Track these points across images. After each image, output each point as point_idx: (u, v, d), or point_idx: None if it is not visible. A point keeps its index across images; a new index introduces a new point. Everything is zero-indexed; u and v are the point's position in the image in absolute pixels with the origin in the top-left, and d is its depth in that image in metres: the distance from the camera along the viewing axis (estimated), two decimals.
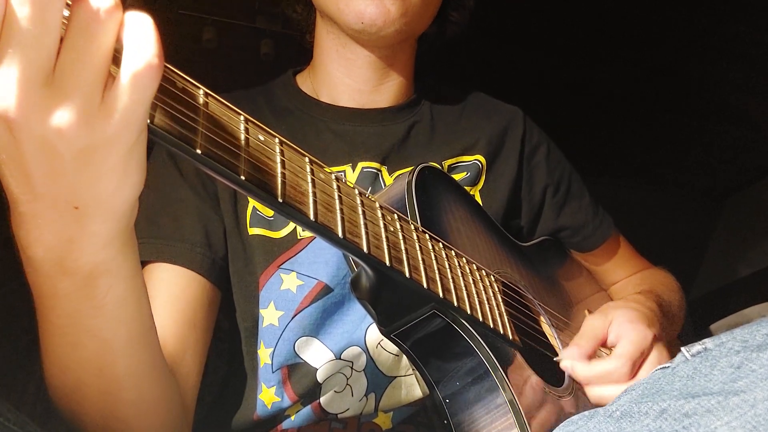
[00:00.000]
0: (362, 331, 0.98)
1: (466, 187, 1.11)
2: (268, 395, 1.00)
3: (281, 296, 1.00)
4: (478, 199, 1.13)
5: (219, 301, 1.02)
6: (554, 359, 0.93)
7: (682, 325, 1.22)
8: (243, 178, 0.55)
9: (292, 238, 1.02)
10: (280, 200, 0.58)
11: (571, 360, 0.89)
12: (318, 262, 1.01)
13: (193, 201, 1.02)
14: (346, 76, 1.13)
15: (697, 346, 0.67)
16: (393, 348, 0.97)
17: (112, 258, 0.58)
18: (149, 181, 1.05)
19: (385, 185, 1.08)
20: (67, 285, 0.58)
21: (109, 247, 0.57)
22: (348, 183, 0.72)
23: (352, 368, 0.99)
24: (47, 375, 0.69)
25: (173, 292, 0.95)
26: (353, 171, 1.08)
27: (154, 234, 0.98)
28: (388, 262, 0.71)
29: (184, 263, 0.96)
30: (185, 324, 0.93)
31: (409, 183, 0.88)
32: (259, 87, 1.21)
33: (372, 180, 1.08)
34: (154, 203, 1.01)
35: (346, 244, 0.66)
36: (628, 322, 0.91)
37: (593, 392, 0.88)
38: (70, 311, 0.61)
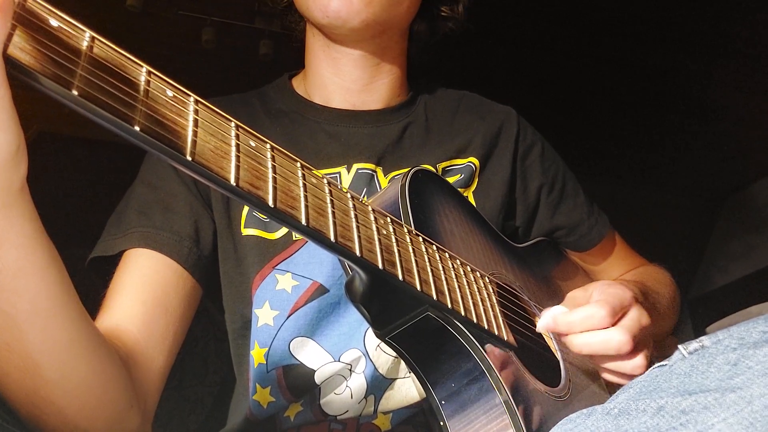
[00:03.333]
0: (361, 334, 0.99)
1: (459, 189, 1.11)
2: (263, 395, 1.00)
3: (276, 296, 1.00)
4: (471, 200, 1.14)
5: (199, 297, 1.02)
6: (536, 328, 0.93)
7: (676, 321, 1.22)
8: (234, 184, 0.55)
9: (287, 240, 1.03)
10: (272, 205, 0.59)
11: (551, 315, 0.88)
12: (313, 263, 1.01)
13: (186, 197, 1.02)
14: (335, 75, 1.13)
15: (694, 344, 0.67)
16: (392, 351, 0.97)
17: None
18: (146, 177, 1.05)
19: (380, 186, 1.08)
20: None
21: None
22: (342, 188, 0.72)
23: (351, 371, 0.99)
24: None
25: (147, 275, 0.94)
26: (348, 172, 1.08)
27: (143, 224, 0.98)
28: (380, 265, 0.71)
29: (170, 253, 0.97)
30: (156, 307, 0.93)
31: (402, 186, 0.88)
32: (255, 90, 1.22)
33: (368, 181, 1.08)
34: (147, 196, 1.02)
35: (339, 248, 0.66)
36: (607, 286, 0.92)
37: (577, 340, 0.87)
38: None
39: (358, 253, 0.68)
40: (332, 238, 0.65)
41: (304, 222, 0.62)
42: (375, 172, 1.09)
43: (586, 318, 0.86)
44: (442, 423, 0.80)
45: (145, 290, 0.93)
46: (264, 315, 1.00)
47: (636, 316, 0.89)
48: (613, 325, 0.86)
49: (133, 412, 0.83)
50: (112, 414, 0.79)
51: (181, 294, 0.97)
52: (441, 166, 1.14)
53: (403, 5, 1.07)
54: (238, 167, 0.56)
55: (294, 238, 1.03)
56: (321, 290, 1.00)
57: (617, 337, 0.85)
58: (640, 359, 0.88)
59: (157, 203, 1.01)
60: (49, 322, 0.66)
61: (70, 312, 0.69)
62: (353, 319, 0.99)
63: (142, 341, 0.89)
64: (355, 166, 1.09)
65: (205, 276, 1.02)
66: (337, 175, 1.08)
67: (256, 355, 1.00)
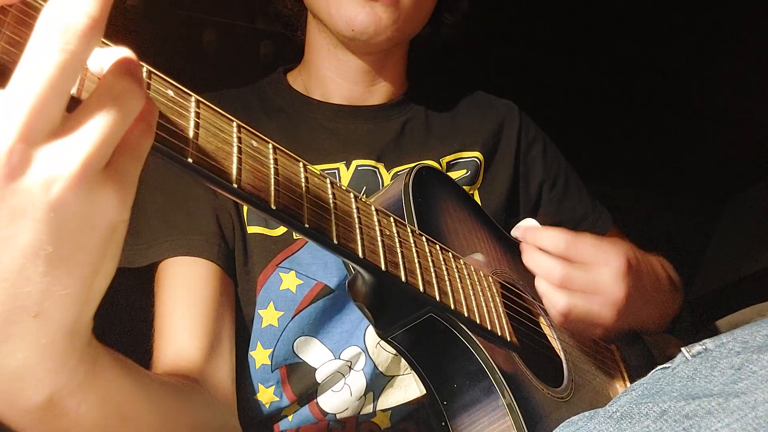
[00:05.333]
0: (361, 331, 0.98)
1: (465, 187, 1.11)
2: (266, 395, 1.00)
3: (281, 296, 1.00)
4: (477, 198, 1.13)
5: (234, 293, 1.01)
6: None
7: (676, 315, 1.18)
8: (236, 186, 0.55)
9: (288, 237, 1.02)
10: (273, 207, 0.58)
11: (525, 226, 0.95)
12: (317, 264, 1.01)
13: (203, 194, 1.01)
14: (338, 75, 1.13)
15: (697, 347, 0.67)
16: (392, 348, 0.97)
17: (68, 378, 0.51)
18: (157, 183, 1.05)
19: (382, 182, 1.08)
20: (26, 421, 0.51)
21: (66, 368, 0.50)
22: (345, 189, 0.72)
23: (350, 368, 0.98)
24: None
25: (190, 285, 0.94)
26: (347, 169, 1.08)
27: (167, 231, 0.97)
28: (383, 267, 0.70)
29: (202, 254, 0.96)
30: (209, 319, 0.92)
31: (405, 185, 0.88)
32: (250, 86, 1.21)
33: (369, 178, 1.08)
34: (166, 204, 1.00)
35: (341, 250, 0.66)
36: (604, 241, 0.96)
37: (526, 251, 0.94)
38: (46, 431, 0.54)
39: (360, 254, 0.68)
40: (334, 240, 0.65)
41: (306, 224, 0.62)
42: (377, 168, 1.09)
43: (539, 267, 0.91)
44: (443, 423, 0.80)
45: (194, 304, 0.92)
46: (268, 316, 1.00)
47: (593, 276, 0.90)
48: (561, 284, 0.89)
49: (223, 418, 0.84)
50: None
51: (223, 293, 0.97)
52: (445, 160, 1.14)
53: (420, 19, 1.08)
54: (239, 169, 0.56)
55: (295, 236, 1.02)
56: (326, 290, 0.99)
57: (549, 264, 0.90)
58: (562, 299, 0.89)
59: (178, 208, 0.99)
60: (141, 412, 0.65)
61: (154, 393, 0.68)
62: (355, 317, 0.99)
63: (210, 362, 0.89)
64: (355, 163, 1.09)
65: (233, 272, 1.01)
66: (336, 171, 1.08)
67: (259, 356, 1.00)
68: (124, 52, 0.45)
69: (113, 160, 0.44)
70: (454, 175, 1.12)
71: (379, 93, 1.16)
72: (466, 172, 1.13)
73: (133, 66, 0.45)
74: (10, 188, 0.41)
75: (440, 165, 1.12)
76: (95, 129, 0.42)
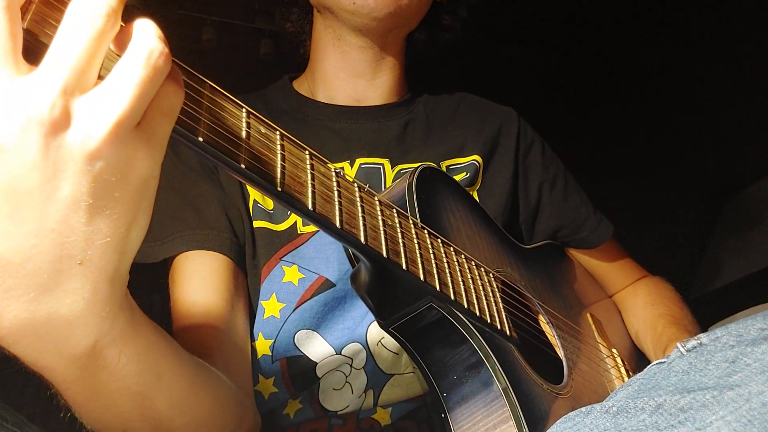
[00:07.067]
0: (364, 329, 0.99)
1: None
2: (265, 386, 1.00)
3: (283, 288, 1.01)
4: (476, 198, 1.14)
5: (246, 286, 1.02)
6: None
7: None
8: (243, 166, 0.56)
9: (292, 232, 1.03)
10: (279, 189, 0.60)
11: None
12: (319, 258, 1.02)
13: (212, 191, 1.03)
14: (342, 70, 1.15)
15: (692, 342, 0.68)
16: (393, 346, 0.98)
17: (110, 325, 0.54)
18: (166, 184, 1.06)
19: (386, 180, 1.10)
20: (72, 371, 0.55)
21: (109, 315, 0.53)
22: (348, 177, 0.73)
23: (351, 366, 0.99)
24: (87, 424, 0.65)
25: (206, 277, 0.95)
26: (351, 167, 1.10)
27: (179, 228, 0.98)
28: (385, 254, 0.71)
29: (214, 248, 0.97)
30: (226, 310, 0.94)
31: (409, 184, 0.89)
32: (256, 92, 1.23)
33: (373, 176, 1.10)
34: (174, 201, 1.01)
35: (344, 235, 0.67)
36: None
37: None
38: (88, 386, 0.57)
39: (362, 240, 0.69)
40: (338, 224, 0.66)
41: (310, 207, 0.63)
42: (382, 164, 1.11)
43: None
44: (443, 415, 0.81)
45: (211, 294, 0.94)
46: (270, 307, 1.01)
47: None
48: None
49: (241, 399, 0.85)
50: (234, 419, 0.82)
51: (237, 285, 0.99)
52: (445, 164, 1.15)
53: (419, 3, 1.10)
54: (248, 150, 0.57)
55: (299, 232, 1.04)
56: (327, 284, 1.01)
57: None
58: None
59: (188, 206, 1.01)
60: (173, 379, 0.67)
61: (184, 361, 0.69)
62: (357, 314, 1.00)
63: (227, 349, 0.91)
64: (359, 162, 1.10)
65: (244, 265, 1.03)
66: (340, 170, 1.09)
67: (260, 346, 1.00)
68: (146, 20, 0.49)
69: (146, 118, 0.48)
70: (455, 177, 1.14)
71: (380, 89, 1.18)
72: (466, 174, 1.15)
73: (157, 30, 0.48)
74: (53, 144, 0.44)
75: (440, 168, 1.13)
76: (128, 89, 0.46)
